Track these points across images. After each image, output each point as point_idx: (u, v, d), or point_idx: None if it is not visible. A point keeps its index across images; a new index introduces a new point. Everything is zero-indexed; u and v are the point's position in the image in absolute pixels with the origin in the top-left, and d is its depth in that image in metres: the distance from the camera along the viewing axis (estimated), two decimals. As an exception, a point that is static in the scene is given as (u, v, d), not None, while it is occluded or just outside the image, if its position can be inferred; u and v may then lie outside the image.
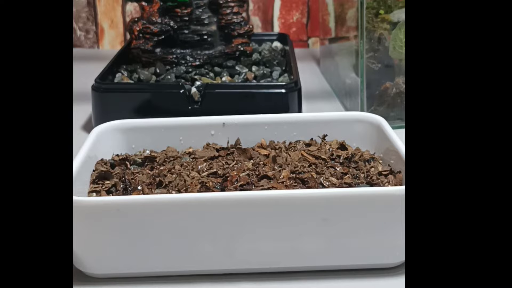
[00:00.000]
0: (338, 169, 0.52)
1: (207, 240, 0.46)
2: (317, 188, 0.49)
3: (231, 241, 0.46)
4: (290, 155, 0.54)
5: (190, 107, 0.71)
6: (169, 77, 0.77)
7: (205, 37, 0.82)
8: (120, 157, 0.55)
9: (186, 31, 0.81)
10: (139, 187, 0.50)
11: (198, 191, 0.49)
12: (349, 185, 0.50)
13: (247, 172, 0.51)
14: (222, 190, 0.49)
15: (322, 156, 0.53)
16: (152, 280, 0.47)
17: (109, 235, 0.45)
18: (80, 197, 0.45)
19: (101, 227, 0.45)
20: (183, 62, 0.81)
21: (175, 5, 0.80)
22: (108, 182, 0.51)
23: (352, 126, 0.59)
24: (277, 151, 0.55)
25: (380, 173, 0.52)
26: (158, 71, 0.79)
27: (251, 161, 0.53)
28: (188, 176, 0.51)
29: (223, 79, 0.78)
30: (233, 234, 0.46)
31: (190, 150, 0.57)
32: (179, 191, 0.49)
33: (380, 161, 0.55)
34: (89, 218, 0.45)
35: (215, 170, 0.52)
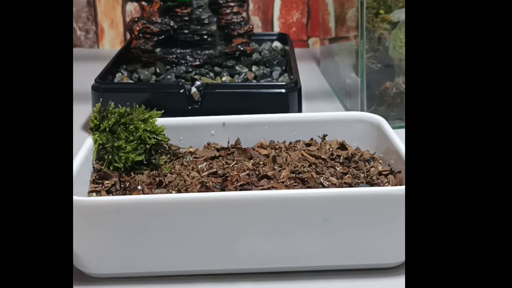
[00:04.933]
0: (338, 169, 0.52)
1: (207, 240, 0.46)
2: (317, 188, 0.49)
3: (231, 241, 0.46)
4: (290, 155, 0.54)
5: (190, 107, 0.71)
6: (169, 77, 0.77)
7: (205, 37, 0.82)
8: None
9: (186, 31, 0.81)
10: (139, 187, 0.50)
11: (198, 191, 0.49)
12: (349, 185, 0.50)
13: (247, 172, 0.51)
14: (222, 190, 0.49)
15: (322, 156, 0.53)
16: (152, 280, 0.47)
17: (109, 235, 0.45)
18: (80, 197, 0.45)
19: (101, 227, 0.45)
20: (183, 62, 0.81)
21: (175, 5, 0.80)
22: (108, 182, 0.51)
23: (352, 126, 0.59)
24: (277, 151, 0.55)
25: (380, 173, 0.52)
26: (158, 71, 0.79)
27: (251, 161, 0.53)
28: (188, 176, 0.51)
29: (223, 79, 0.78)
30: (233, 234, 0.45)
31: (191, 149, 0.57)
32: (179, 191, 0.49)
33: (380, 161, 0.55)
34: (89, 218, 0.45)
35: (215, 170, 0.52)
